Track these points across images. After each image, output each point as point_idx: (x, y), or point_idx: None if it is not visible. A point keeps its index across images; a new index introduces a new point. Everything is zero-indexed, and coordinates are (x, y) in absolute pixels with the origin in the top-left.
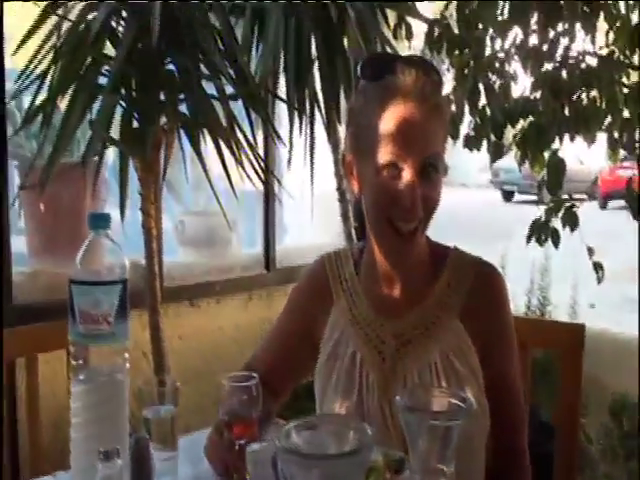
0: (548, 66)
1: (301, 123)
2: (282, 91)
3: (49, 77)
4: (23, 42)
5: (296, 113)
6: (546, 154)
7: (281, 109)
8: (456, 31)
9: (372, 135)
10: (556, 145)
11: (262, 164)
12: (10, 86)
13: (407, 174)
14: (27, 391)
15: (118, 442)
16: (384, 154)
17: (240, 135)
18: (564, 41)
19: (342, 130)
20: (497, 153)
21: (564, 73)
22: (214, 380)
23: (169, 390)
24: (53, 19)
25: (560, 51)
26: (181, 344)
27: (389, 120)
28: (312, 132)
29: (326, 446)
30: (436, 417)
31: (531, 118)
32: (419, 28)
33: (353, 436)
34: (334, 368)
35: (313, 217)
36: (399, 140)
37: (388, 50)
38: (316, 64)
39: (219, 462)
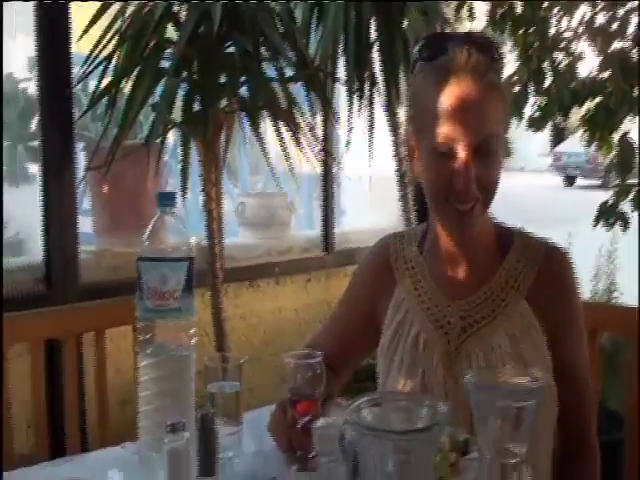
0: (617, 45)
1: (360, 105)
2: (341, 73)
3: (113, 61)
4: (88, 28)
5: (355, 95)
6: (614, 136)
7: (340, 91)
8: (519, 10)
9: (429, 116)
10: (625, 126)
11: (321, 146)
12: (76, 71)
13: (461, 154)
14: (95, 366)
15: (184, 416)
16: (439, 135)
17: (299, 117)
18: (634, 19)
19: (402, 112)
20: (561, 135)
21: (634, 52)
22: (273, 360)
23: (233, 366)
24: (117, 4)
25: (630, 29)
26: (241, 324)
27: (443, 100)
28: (371, 114)
29: (395, 422)
30: (508, 397)
31: (599, 99)
32: (481, 9)
33: (426, 413)
34: (397, 349)
35: (372, 200)
36: (453, 120)
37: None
38: (375, 46)
39: (282, 438)
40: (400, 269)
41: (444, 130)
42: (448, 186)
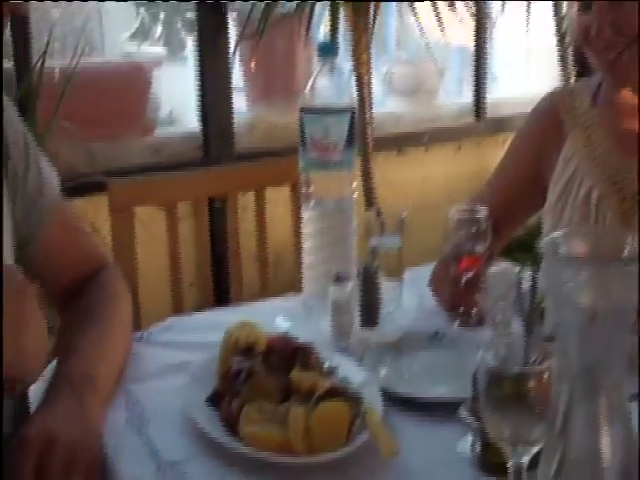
0: None
1: None
2: None
3: None
4: None
5: None
6: None
7: None
8: None
9: None
10: None
11: (473, 11)
12: None
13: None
14: (256, 224)
15: (347, 267)
16: None
17: None
18: None
19: None
20: None
21: None
22: (419, 233)
23: (394, 221)
24: None
25: None
26: (389, 193)
27: None
28: None
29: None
30: None
31: None
32: None
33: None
34: (566, 208)
35: (525, 67)
36: None
37: None
38: None
39: (444, 295)
40: (570, 122)
41: None
42: (586, 38)
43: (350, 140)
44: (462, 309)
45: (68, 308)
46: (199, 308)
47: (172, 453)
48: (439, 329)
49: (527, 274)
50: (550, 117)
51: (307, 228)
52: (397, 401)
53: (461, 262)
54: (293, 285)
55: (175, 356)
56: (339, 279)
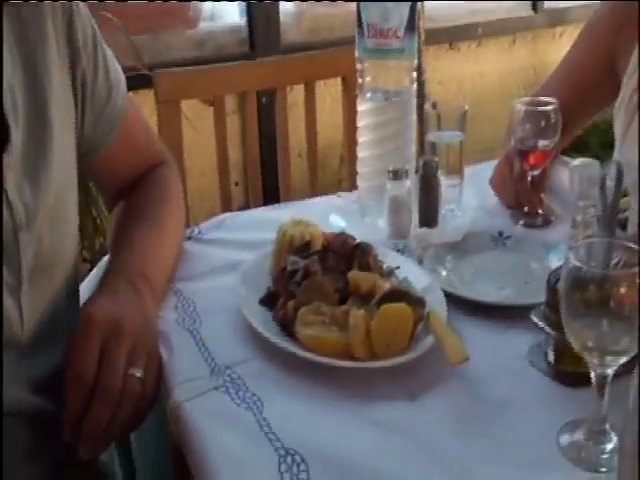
0: None
1: None
2: None
3: None
4: None
5: None
6: None
7: None
8: None
9: None
10: None
11: None
12: None
13: None
14: (305, 120)
15: (405, 163)
16: None
17: None
18: None
19: None
20: None
21: None
22: (474, 130)
23: (455, 114)
24: None
25: None
26: (439, 89)
27: None
28: None
29: None
30: None
31: None
32: None
33: None
34: None
35: None
36: None
37: None
38: None
39: (508, 193)
40: None
41: None
42: None
43: (411, 25)
44: (527, 208)
45: (122, 202)
46: (246, 208)
47: (225, 355)
48: (503, 229)
49: (611, 170)
50: (627, 2)
51: (362, 121)
52: (461, 305)
53: (527, 158)
54: (342, 184)
55: (226, 254)
56: (396, 175)
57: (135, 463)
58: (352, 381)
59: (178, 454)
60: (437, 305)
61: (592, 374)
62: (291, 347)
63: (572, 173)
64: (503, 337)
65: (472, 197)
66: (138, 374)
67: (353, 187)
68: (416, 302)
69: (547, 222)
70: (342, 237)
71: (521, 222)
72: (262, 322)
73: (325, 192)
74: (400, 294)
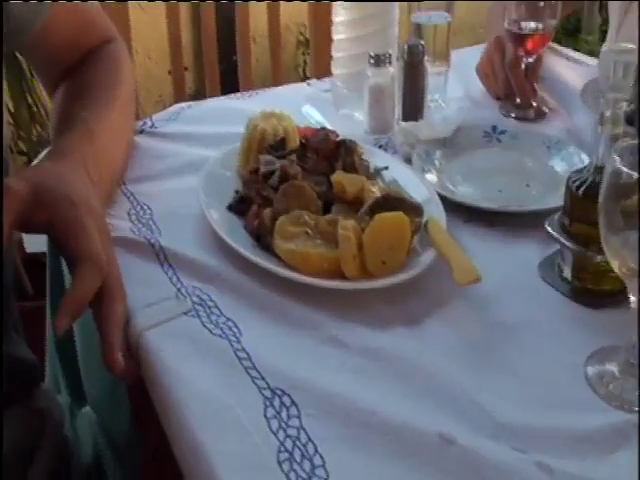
0: None
1: None
2: None
3: None
4: None
5: None
6: None
7: None
8: None
9: None
10: None
11: None
12: None
13: None
14: None
15: (388, 47)
16: None
17: None
18: None
19: None
20: None
21: None
22: (461, 11)
23: None
24: None
25: None
26: None
27: None
28: None
29: None
30: None
31: None
32: None
33: None
34: None
35: None
36: None
37: None
38: None
39: (498, 82)
40: None
41: None
42: None
43: None
44: (519, 99)
45: (67, 81)
46: (200, 97)
47: (192, 272)
48: (496, 123)
49: None
50: None
51: None
52: (457, 210)
53: (523, 43)
54: (299, 70)
55: (185, 151)
56: (379, 61)
57: (85, 390)
58: (342, 304)
59: (137, 388)
60: (434, 212)
61: (631, 298)
62: (269, 264)
63: (604, 59)
64: (508, 249)
65: (456, 86)
66: None
67: (318, 74)
68: (413, 210)
69: (540, 115)
70: (322, 132)
71: (512, 115)
72: (231, 232)
73: (286, 81)
74: (394, 200)
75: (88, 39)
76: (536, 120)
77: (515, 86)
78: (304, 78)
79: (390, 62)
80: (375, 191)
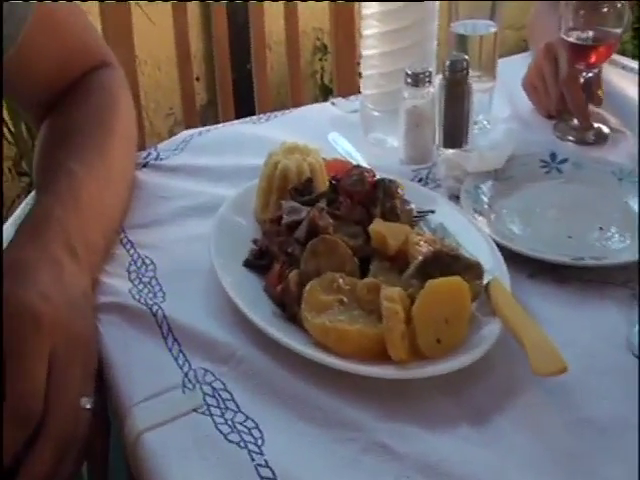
0: None
1: None
2: None
3: None
4: None
5: None
6: None
7: None
8: None
9: None
10: None
11: None
12: None
13: None
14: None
15: (426, 63)
16: None
17: None
18: None
19: None
20: None
21: None
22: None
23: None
24: None
25: None
26: None
27: None
28: None
29: None
30: None
31: None
32: None
33: None
34: None
35: None
36: None
37: None
38: None
39: (547, 98)
40: None
41: None
42: None
43: None
44: (577, 121)
45: (51, 117)
46: (211, 106)
47: (200, 351)
48: (555, 150)
49: None
50: None
51: (368, 9)
52: (519, 263)
53: (582, 54)
54: (316, 77)
55: (194, 189)
56: (417, 80)
57: None
58: (390, 397)
59: None
60: (494, 268)
61: None
62: (297, 344)
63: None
64: (586, 313)
65: (500, 103)
66: (88, 405)
67: (339, 81)
68: (471, 269)
69: (601, 137)
70: (357, 171)
71: (570, 137)
72: (249, 297)
73: (303, 89)
74: (447, 257)
75: (75, 62)
76: (597, 143)
77: (573, 106)
78: (322, 86)
79: (430, 81)
80: (422, 244)
